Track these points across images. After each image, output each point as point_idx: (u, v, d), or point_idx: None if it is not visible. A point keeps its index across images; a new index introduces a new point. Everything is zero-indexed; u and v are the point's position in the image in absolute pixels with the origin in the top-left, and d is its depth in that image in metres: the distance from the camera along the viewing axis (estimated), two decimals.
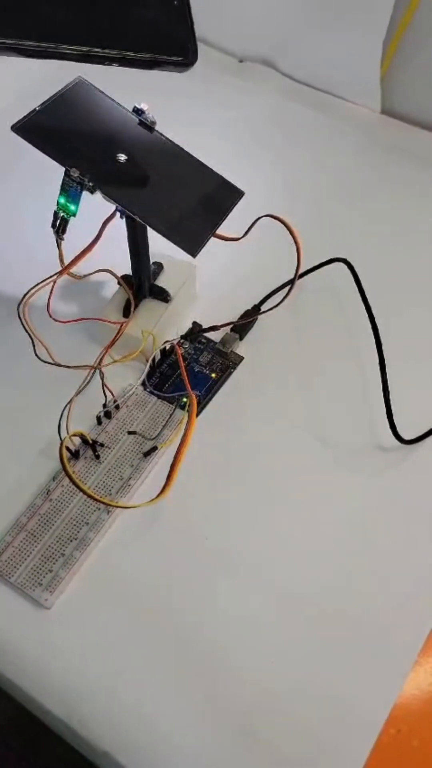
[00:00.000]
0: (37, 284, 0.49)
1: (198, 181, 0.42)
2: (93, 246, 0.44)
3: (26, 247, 0.58)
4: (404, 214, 0.62)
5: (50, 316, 0.48)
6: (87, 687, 0.38)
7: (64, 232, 0.42)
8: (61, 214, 0.41)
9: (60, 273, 0.45)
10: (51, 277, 0.48)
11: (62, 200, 0.41)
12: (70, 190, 0.40)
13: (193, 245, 0.40)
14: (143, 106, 0.43)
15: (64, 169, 0.40)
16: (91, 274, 0.49)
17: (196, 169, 0.43)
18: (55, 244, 0.43)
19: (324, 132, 0.70)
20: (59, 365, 0.48)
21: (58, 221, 0.42)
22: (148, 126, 0.43)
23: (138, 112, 0.43)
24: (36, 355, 0.48)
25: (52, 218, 0.42)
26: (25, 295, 0.50)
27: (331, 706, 0.37)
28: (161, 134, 0.43)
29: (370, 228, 0.60)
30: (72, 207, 0.41)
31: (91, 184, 0.39)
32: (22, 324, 0.49)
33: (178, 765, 0.36)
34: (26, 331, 0.49)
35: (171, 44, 0.39)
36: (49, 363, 0.48)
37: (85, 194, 0.40)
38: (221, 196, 0.42)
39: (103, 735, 0.37)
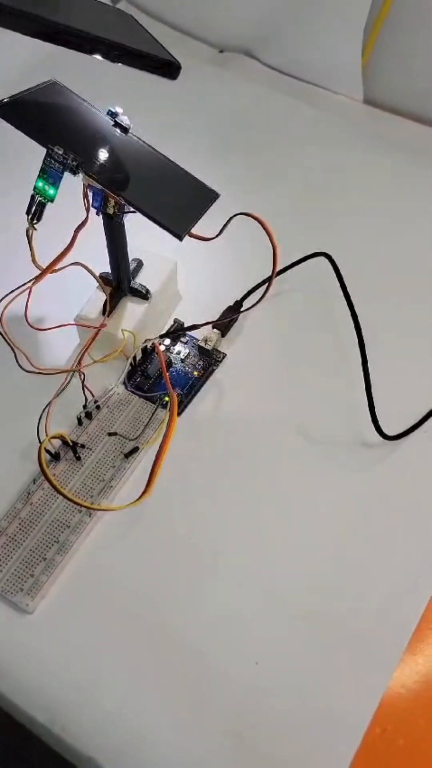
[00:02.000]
0: (11, 291, 0.48)
1: (174, 183, 0.42)
2: (66, 253, 0.43)
3: None
4: (387, 205, 0.61)
5: (29, 324, 0.47)
6: (70, 692, 0.38)
7: (39, 219, 0.41)
8: (38, 199, 0.40)
9: (35, 280, 0.44)
10: (26, 284, 0.47)
11: (40, 184, 0.39)
12: (51, 170, 0.39)
13: (180, 227, 0.40)
14: (118, 109, 0.42)
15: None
16: (65, 267, 0.48)
17: (172, 171, 0.42)
18: (26, 243, 0.42)
19: (305, 122, 0.69)
20: (41, 373, 0.47)
21: (35, 206, 0.40)
22: (123, 128, 0.42)
23: (112, 114, 0.42)
24: (17, 363, 0.48)
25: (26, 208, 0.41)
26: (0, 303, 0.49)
27: (317, 705, 0.37)
28: (137, 137, 0.42)
29: (353, 220, 0.60)
30: (51, 191, 0.40)
31: (74, 163, 0.39)
32: (2, 336, 0.49)
33: None
34: (6, 342, 0.48)
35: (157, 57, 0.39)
36: (31, 372, 0.47)
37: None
38: (197, 198, 0.41)
39: (86, 741, 0.36)
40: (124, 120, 0.42)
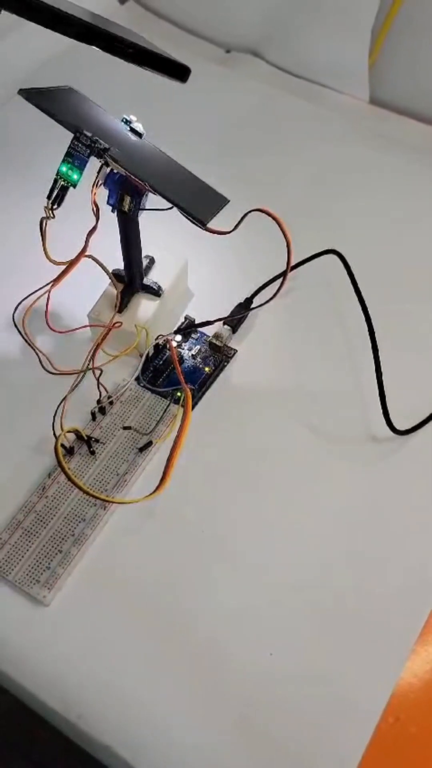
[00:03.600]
0: (29, 295, 0.49)
1: (187, 186, 0.43)
2: (80, 257, 0.44)
3: (9, 254, 0.57)
4: (393, 204, 0.61)
5: (50, 327, 0.48)
6: (86, 682, 0.38)
7: (60, 204, 0.41)
8: (61, 183, 0.40)
9: (53, 283, 0.45)
10: (43, 287, 0.47)
11: (64, 168, 0.40)
12: (77, 155, 0.40)
13: (203, 213, 0.40)
14: (132, 117, 0.43)
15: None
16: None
17: (185, 176, 0.43)
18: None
19: (312, 122, 0.69)
20: (61, 373, 0.48)
21: (57, 191, 0.41)
22: (138, 133, 0.43)
23: (127, 122, 0.43)
24: (41, 364, 0.49)
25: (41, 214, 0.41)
26: (18, 306, 0.50)
27: (330, 695, 0.38)
28: (151, 143, 0.43)
29: (361, 218, 0.60)
30: (75, 176, 0.40)
31: (101, 147, 0.39)
32: (24, 339, 0.50)
33: (179, 757, 0.36)
34: (29, 345, 0.49)
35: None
36: (52, 373, 0.48)
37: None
38: (208, 201, 0.42)
39: (103, 729, 0.37)
40: (139, 127, 0.43)
